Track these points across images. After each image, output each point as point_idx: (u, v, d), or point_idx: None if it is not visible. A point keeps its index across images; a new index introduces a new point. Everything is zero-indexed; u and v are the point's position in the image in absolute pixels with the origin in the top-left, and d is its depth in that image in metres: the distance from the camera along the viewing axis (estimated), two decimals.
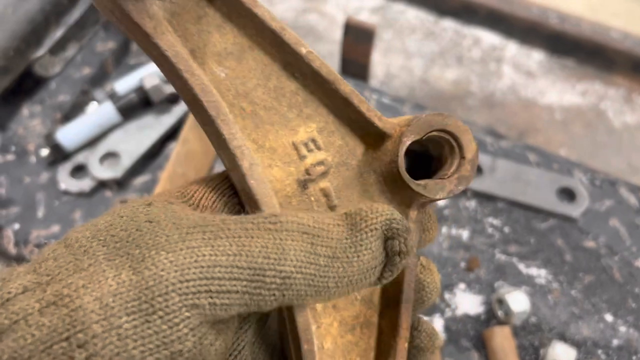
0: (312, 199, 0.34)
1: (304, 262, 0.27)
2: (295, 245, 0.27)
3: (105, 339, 0.22)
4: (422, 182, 0.34)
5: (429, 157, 0.37)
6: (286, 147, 0.34)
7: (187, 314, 0.24)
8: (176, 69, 0.30)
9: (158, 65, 0.31)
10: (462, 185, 0.34)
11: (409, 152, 0.34)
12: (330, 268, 0.27)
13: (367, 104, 0.34)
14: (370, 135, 0.35)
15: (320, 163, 0.34)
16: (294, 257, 0.26)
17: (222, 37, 0.32)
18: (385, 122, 0.34)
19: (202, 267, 0.24)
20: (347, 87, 0.34)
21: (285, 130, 0.34)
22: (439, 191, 0.34)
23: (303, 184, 0.34)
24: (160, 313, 0.23)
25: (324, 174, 0.34)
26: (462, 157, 0.34)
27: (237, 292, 0.25)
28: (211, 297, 0.24)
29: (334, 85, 0.33)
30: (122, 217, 0.26)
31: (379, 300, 0.35)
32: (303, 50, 0.32)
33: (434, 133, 0.34)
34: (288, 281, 0.26)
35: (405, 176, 0.33)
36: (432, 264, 0.37)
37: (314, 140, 0.34)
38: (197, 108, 0.31)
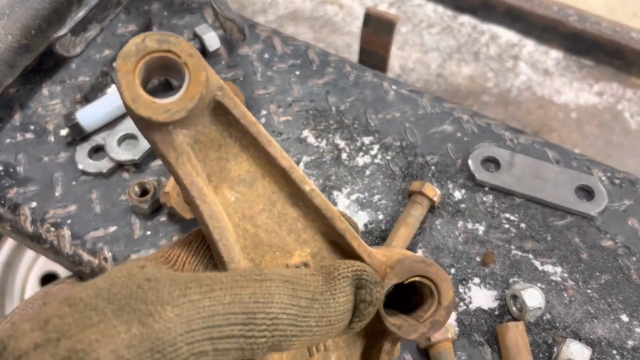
0: None
1: (287, 304, 0.30)
2: (279, 291, 0.30)
3: None
4: (397, 321, 0.37)
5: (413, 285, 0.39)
6: (279, 268, 0.36)
7: None
8: (190, 195, 0.34)
9: (176, 182, 0.35)
10: (434, 330, 0.37)
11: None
12: (310, 309, 0.31)
13: (360, 240, 0.37)
14: None
15: None
16: (278, 300, 0.30)
17: (238, 165, 0.36)
18: (373, 259, 0.37)
19: (204, 317, 0.27)
20: (342, 223, 0.37)
21: (281, 252, 0.37)
22: (411, 332, 0.37)
23: None
24: None
25: None
26: (440, 303, 0.37)
27: (234, 336, 0.28)
28: (213, 343, 0.28)
29: (331, 221, 0.37)
30: (120, 277, 0.28)
31: None
32: (307, 188, 0.36)
33: (416, 278, 0.37)
34: (276, 321, 0.30)
35: (384, 316, 0.36)
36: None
37: (306, 264, 0.37)
38: (204, 228, 0.35)
